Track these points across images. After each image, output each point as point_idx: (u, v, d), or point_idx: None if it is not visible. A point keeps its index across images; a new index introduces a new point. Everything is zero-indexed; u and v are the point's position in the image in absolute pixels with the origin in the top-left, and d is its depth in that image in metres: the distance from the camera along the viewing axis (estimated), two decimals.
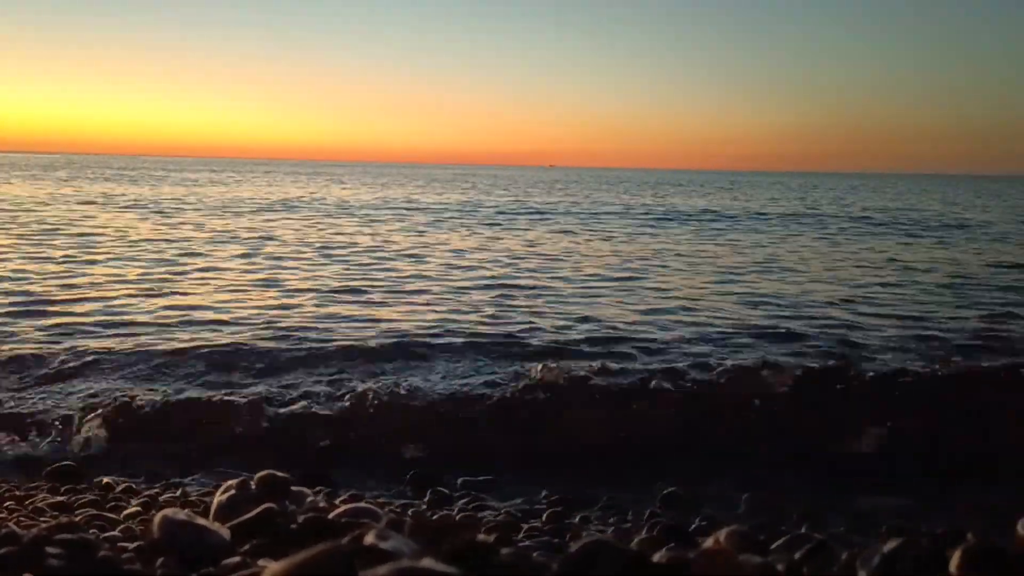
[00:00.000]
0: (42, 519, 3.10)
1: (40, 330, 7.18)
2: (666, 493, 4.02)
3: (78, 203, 23.96)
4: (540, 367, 6.06)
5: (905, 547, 1.85)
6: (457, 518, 3.48)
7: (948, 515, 3.75)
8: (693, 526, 3.53)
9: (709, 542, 2.49)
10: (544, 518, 3.57)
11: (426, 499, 3.82)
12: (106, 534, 2.70)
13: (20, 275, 9.94)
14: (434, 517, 3.46)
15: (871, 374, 6.21)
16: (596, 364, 6.21)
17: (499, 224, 20.85)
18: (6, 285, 9.24)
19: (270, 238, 15.75)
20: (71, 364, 6.04)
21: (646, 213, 26.64)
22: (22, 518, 3.15)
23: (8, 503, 3.41)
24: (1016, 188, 72.69)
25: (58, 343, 6.72)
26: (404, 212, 24.94)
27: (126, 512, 3.27)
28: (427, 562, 1.52)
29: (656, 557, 1.94)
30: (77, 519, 2.95)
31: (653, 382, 5.80)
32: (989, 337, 7.65)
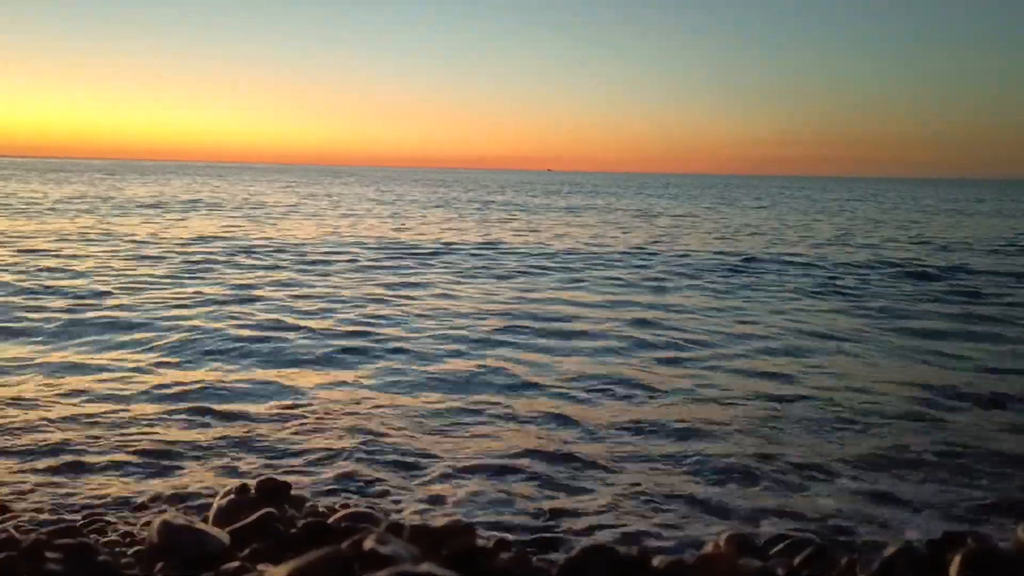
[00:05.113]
0: (42, 522, 3.09)
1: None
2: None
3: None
4: None
5: (904, 551, 1.85)
6: (457, 522, 3.47)
7: (948, 519, 3.74)
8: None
9: (709, 546, 2.49)
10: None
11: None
12: (105, 539, 2.70)
13: None
14: (434, 520, 3.46)
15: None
16: None
17: None
18: None
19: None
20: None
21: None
22: (22, 522, 3.14)
23: (8, 504, 3.41)
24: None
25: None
26: None
27: (127, 516, 3.27)
28: (426, 567, 1.53)
29: (656, 561, 1.94)
30: (78, 523, 2.95)
31: None
32: None
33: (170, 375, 5.96)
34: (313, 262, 13.09)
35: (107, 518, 3.16)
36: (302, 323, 8.02)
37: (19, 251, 13.05)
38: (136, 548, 2.47)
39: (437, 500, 3.80)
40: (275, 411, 5.18)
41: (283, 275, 11.53)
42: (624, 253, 15.62)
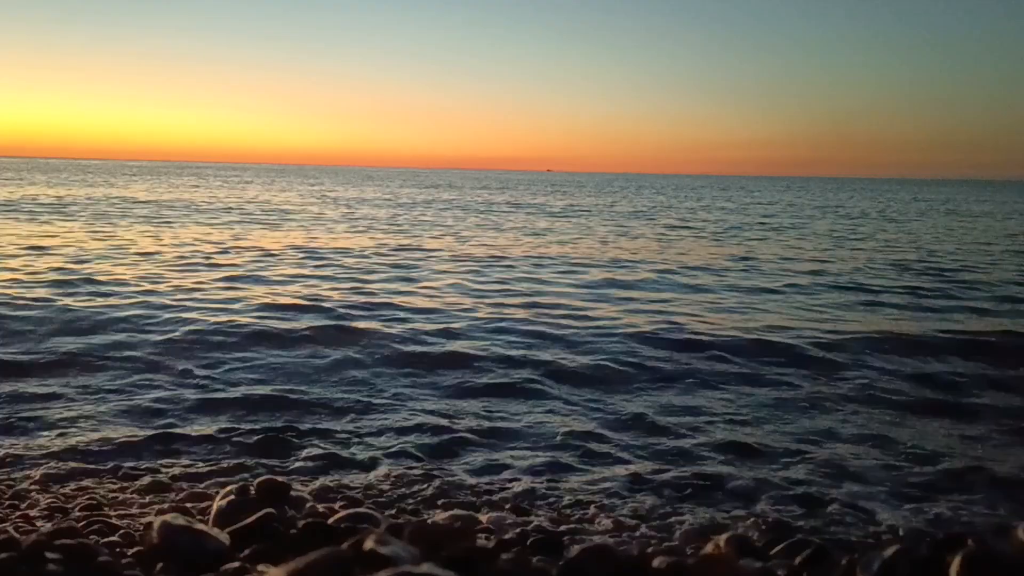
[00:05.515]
0: (41, 523, 3.09)
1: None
2: None
3: None
4: None
5: (905, 553, 1.85)
6: (457, 522, 3.47)
7: (948, 519, 3.74)
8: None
9: (709, 547, 2.49)
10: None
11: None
12: (105, 539, 2.70)
13: None
14: (434, 521, 3.45)
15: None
16: None
17: None
18: None
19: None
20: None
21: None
22: (21, 523, 3.14)
23: (7, 505, 3.41)
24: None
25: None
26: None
27: (126, 516, 3.27)
28: (426, 567, 1.53)
29: (656, 562, 1.94)
30: (77, 524, 2.95)
31: None
32: None
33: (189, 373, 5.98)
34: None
35: (107, 518, 3.15)
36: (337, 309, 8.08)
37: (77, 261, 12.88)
38: (136, 548, 2.46)
39: (438, 498, 3.81)
40: (274, 406, 5.19)
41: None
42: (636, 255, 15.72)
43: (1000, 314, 9.42)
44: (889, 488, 4.08)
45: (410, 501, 3.76)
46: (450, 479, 4.08)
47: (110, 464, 4.12)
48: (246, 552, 2.27)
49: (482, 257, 14.39)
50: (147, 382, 5.70)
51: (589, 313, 8.93)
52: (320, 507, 3.33)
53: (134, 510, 3.43)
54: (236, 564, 2.16)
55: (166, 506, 3.46)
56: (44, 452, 4.26)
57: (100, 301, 8.71)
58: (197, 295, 9.32)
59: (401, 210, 29.49)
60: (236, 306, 8.69)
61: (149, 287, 9.81)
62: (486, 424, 5.00)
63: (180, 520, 2.36)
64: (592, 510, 3.71)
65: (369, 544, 1.68)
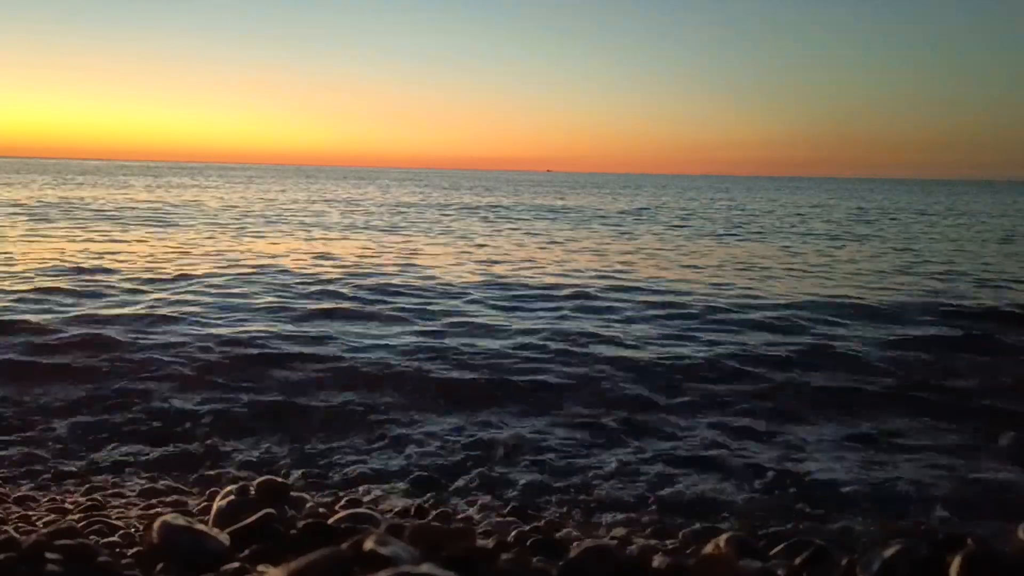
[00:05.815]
0: (41, 524, 3.09)
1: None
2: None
3: None
4: None
5: (905, 553, 1.85)
6: (458, 523, 3.47)
7: (948, 519, 3.74)
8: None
9: (709, 547, 2.49)
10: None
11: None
12: (105, 539, 2.70)
13: None
14: (434, 522, 3.45)
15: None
16: None
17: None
18: None
19: None
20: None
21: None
22: (21, 523, 3.14)
23: (8, 507, 3.41)
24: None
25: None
26: None
27: (126, 517, 3.27)
28: (426, 568, 1.53)
29: (656, 562, 1.94)
30: (77, 524, 2.95)
31: None
32: None
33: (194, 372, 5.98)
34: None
35: (107, 519, 3.16)
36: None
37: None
38: (136, 549, 2.46)
39: (439, 500, 3.81)
40: (277, 406, 5.19)
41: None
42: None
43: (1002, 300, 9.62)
44: (889, 487, 4.08)
45: (410, 502, 3.76)
46: (451, 480, 4.08)
47: (110, 465, 4.12)
48: (246, 552, 2.26)
49: (484, 256, 14.39)
50: (149, 382, 5.70)
51: (591, 301, 9.05)
52: (320, 507, 3.33)
53: (134, 511, 3.43)
54: (236, 564, 2.15)
55: (166, 507, 3.46)
56: (44, 453, 4.26)
57: (104, 303, 8.71)
58: (203, 294, 9.32)
59: (402, 210, 29.50)
60: (243, 304, 8.69)
61: (154, 287, 9.81)
62: (489, 423, 5.00)
63: (180, 520, 2.36)
64: (592, 511, 3.71)
65: (369, 544, 1.68)
